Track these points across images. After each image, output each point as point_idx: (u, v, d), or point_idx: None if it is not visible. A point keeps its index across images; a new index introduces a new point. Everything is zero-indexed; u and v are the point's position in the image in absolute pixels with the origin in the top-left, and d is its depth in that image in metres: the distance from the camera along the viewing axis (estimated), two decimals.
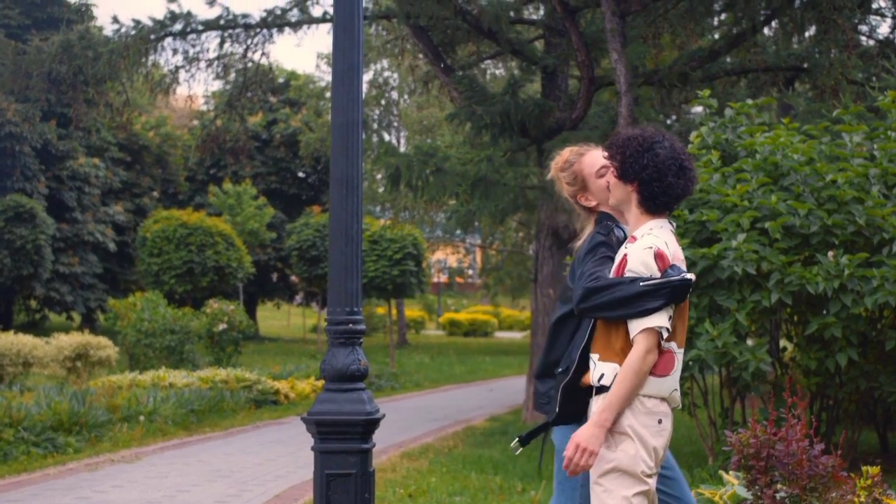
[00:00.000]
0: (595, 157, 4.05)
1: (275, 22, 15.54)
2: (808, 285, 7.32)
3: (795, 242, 7.65)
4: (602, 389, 3.56)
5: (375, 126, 34.15)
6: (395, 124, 35.66)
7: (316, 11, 19.98)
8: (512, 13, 14.40)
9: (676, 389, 3.60)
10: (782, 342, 8.94)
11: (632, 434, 3.49)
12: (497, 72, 28.73)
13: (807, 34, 13.50)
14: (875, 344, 7.91)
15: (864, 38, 14.27)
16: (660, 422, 3.53)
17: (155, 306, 18.01)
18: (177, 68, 16.24)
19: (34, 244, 26.21)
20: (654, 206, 3.61)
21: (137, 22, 15.46)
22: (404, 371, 21.67)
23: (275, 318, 45.62)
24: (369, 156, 16.39)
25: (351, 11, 4.31)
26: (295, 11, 15.70)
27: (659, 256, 3.53)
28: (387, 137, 34.55)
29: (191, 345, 17.87)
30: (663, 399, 3.55)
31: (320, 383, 15.78)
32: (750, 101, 8.80)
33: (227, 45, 15.92)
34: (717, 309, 7.66)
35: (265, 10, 15.58)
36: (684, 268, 3.58)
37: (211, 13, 43.76)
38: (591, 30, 13.46)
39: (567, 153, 4.17)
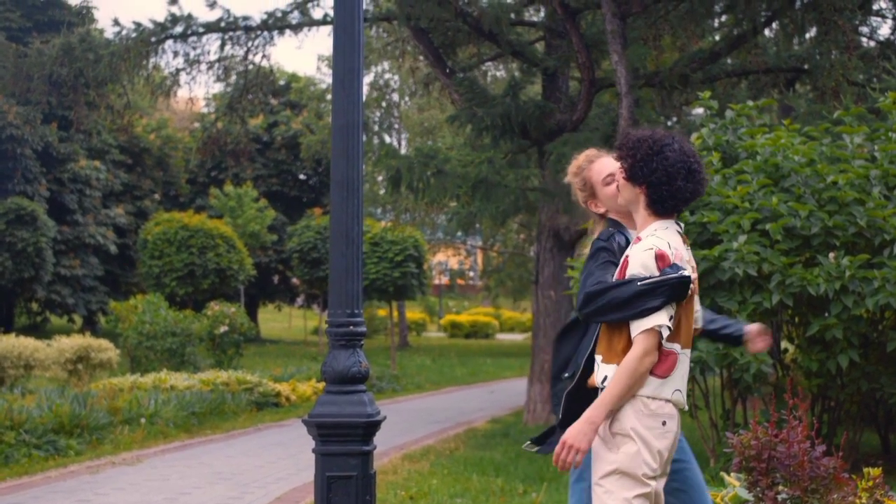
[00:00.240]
0: (603, 165, 4.07)
1: (275, 24, 15.54)
2: (810, 287, 7.32)
3: (796, 244, 7.65)
4: None
5: (376, 128, 34.17)
6: (396, 126, 35.67)
7: (316, 14, 20.01)
8: (512, 15, 14.42)
9: (679, 390, 3.57)
10: (783, 344, 8.93)
11: (634, 436, 3.49)
12: (498, 74, 28.75)
13: (807, 35, 13.50)
14: (876, 345, 7.91)
15: (864, 40, 14.27)
16: (664, 423, 3.52)
17: (156, 309, 18.02)
18: (177, 71, 16.25)
19: (35, 247, 26.22)
20: (661, 208, 3.62)
21: (138, 24, 15.47)
22: (405, 373, 21.66)
23: (276, 320, 45.62)
24: (370, 158, 16.43)
25: (351, 13, 4.31)
26: (296, 14, 15.70)
27: (660, 257, 3.53)
28: (387, 139, 34.57)
29: (192, 347, 17.87)
30: (668, 400, 3.54)
31: (321, 385, 15.77)
32: (751, 103, 8.79)
33: (227, 47, 15.93)
34: (719, 310, 7.65)
35: (266, 13, 15.58)
36: (688, 268, 3.57)
37: (212, 16, 43.83)
38: (591, 31, 13.47)
39: (581, 159, 4.19)
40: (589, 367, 3.75)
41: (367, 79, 32.57)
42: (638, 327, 3.49)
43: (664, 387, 3.53)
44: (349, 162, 4.26)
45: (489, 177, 13.54)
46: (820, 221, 7.56)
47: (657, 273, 3.51)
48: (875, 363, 7.90)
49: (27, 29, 27.71)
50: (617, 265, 3.68)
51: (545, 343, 13.89)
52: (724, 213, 7.81)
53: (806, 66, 12.83)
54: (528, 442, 4.12)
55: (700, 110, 12.96)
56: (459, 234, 33.88)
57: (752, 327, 4.16)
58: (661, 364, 3.52)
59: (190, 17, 15.55)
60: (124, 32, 15.48)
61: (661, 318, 3.48)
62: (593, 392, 3.66)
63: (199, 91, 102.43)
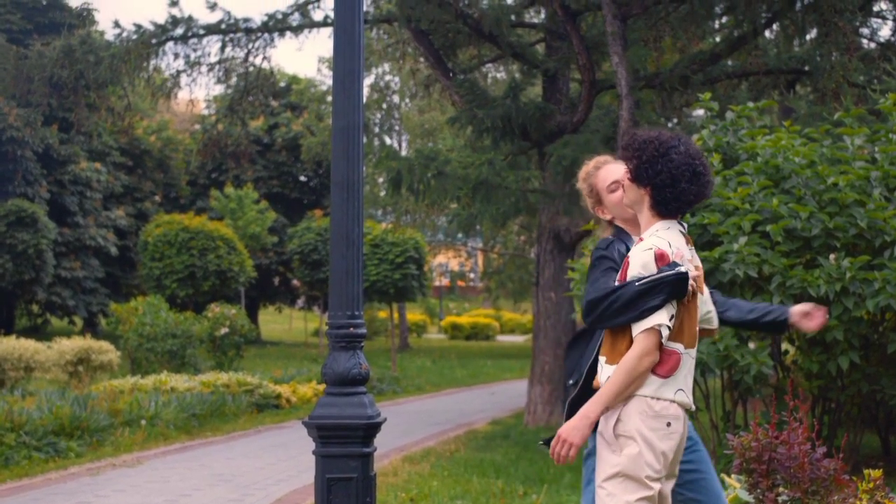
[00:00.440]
0: (609, 172, 4.08)
1: (276, 26, 15.55)
2: (810, 288, 7.31)
3: (797, 245, 7.64)
4: None
5: (377, 130, 34.19)
6: (397, 128, 35.70)
7: (317, 16, 20.03)
8: (513, 17, 14.41)
9: (682, 390, 3.54)
10: (784, 345, 8.93)
11: (638, 438, 3.47)
12: (498, 75, 28.78)
13: (808, 37, 13.50)
14: (877, 347, 7.91)
15: (865, 41, 14.26)
16: (668, 425, 3.50)
17: (157, 310, 18.02)
18: (178, 73, 16.26)
19: (36, 248, 26.23)
20: (665, 210, 3.62)
21: (139, 26, 15.48)
22: (406, 375, 21.66)
23: (276, 321, 45.62)
24: (370, 159, 16.40)
25: (352, 15, 4.31)
26: (296, 16, 15.71)
27: (659, 256, 3.53)
28: (388, 141, 34.60)
29: (192, 349, 17.88)
30: (672, 401, 3.52)
31: (322, 387, 15.77)
32: (751, 104, 8.79)
33: (228, 49, 15.95)
34: None
35: (266, 15, 15.59)
36: (691, 267, 3.57)
37: (212, 18, 43.80)
38: (592, 33, 13.47)
39: (590, 165, 4.20)
40: (594, 370, 3.76)
41: (368, 80, 32.61)
42: (638, 327, 3.49)
43: (666, 387, 3.51)
44: (350, 163, 4.26)
45: (490, 178, 13.54)
46: (820, 223, 7.56)
47: (656, 272, 3.51)
48: (876, 365, 7.90)
49: (28, 31, 27.73)
50: (618, 271, 3.69)
51: (546, 345, 13.89)
52: (725, 214, 7.80)
53: (806, 68, 12.83)
54: (541, 442, 4.14)
55: (700, 112, 12.97)
56: (460, 235, 33.91)
57: (797, 308, 4.03)
58: (663, 364, 3.51)
59: (190, 19, 15.56)
60: (125, 34, 15.50)
61: (661, 318, 3.48)
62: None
63: (199, 93, 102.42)
